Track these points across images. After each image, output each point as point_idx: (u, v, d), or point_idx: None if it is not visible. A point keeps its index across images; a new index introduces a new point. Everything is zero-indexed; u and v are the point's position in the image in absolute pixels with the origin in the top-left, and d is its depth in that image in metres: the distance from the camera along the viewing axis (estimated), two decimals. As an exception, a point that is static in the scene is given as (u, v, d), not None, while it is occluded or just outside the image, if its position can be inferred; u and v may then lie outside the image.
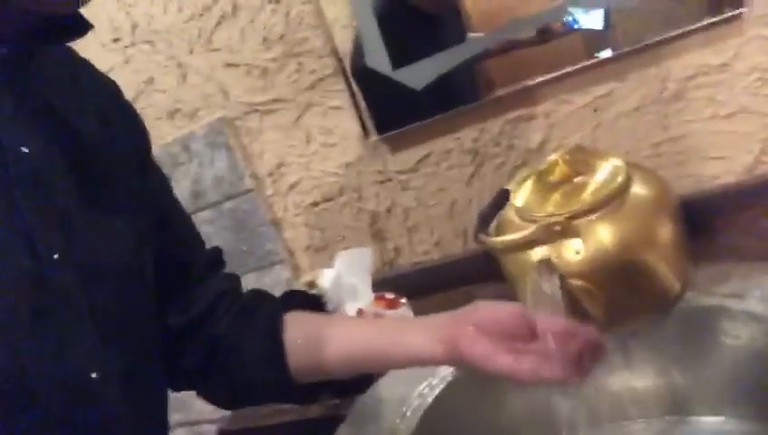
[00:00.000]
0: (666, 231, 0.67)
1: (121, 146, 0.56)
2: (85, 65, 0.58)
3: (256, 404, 0.70)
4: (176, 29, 1.03)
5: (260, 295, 0.65)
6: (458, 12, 0.91)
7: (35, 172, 0.45)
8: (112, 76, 1.16)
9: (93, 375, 0.45)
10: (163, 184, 0.64)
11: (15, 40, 0.46)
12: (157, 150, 1.07)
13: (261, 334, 0.60)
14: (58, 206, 0.46)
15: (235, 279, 0.67)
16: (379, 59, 0.91)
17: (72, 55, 0.57)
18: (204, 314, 0.61)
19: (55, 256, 0.44)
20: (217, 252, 0.67)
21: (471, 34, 0.91)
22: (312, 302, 0.66)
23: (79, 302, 0.46)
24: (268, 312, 0.62)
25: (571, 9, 0.84)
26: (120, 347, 0.48)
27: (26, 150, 0.45)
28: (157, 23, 1.04)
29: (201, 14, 1.01)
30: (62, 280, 0.45)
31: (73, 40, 0.51)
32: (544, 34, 0.86)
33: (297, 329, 0.60)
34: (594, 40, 0.87)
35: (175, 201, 0.65)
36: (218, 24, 1.00)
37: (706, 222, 0.78)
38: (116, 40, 1.08)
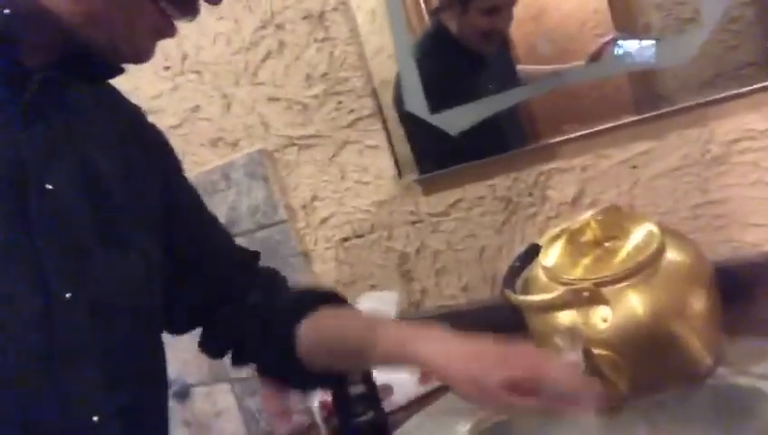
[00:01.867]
0: (699, 302, 0.65)
1: (141, 173, 0.57)
2: (107, 89, 0.59)
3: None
4: (223, 61, 1.07)
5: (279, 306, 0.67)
6: (507, 48, 0.91)
7: (56, 210, 0.46)
8: (161, 102, 1.21)
9: (94, 419, 0.46)
10: (196, 201, 0.67)
11: (49, 70, 0.47)
12: (198, 177, 1.11)
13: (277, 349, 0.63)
14: (74, 244, 0.47)
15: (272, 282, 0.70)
16: (417, 103, 0.92)
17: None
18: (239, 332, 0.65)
19: (68, 296, 0.45)
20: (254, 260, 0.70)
21: (520, 67, 0.91)
22: (327, 297, 0.68)
23: (87, 344, 0.46)
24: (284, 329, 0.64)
25: (621, 42, 0.82)
26: (123, 390, 0.49)
27: (50, 187, 0.46)
28: (205, 54, 1.08)
29: (248, 49, 1.04)
30: (73, 321, 0.45)
31: (109, 78, 0.53)
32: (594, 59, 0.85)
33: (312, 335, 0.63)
34: (640, 95, 0.86)
35: (210, 216, 0.68)
36: (264, 59, 1.04)
37: (744, 292, 0.75)
38: (166, 68, 1.12)
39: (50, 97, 0.48)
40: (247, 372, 1.23)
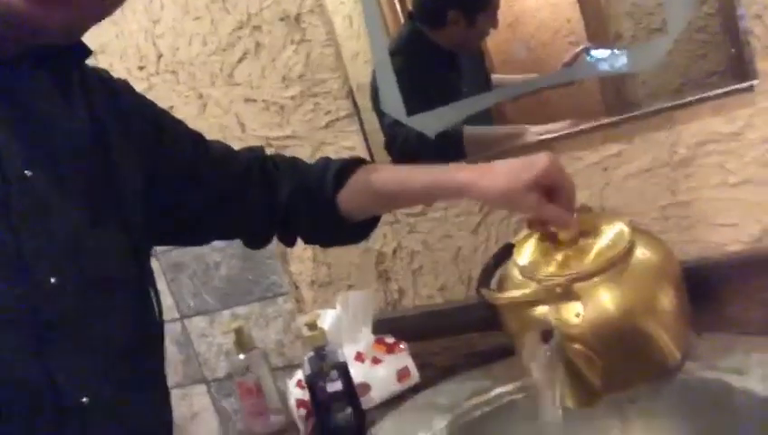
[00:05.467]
0: (668, 298, 0.67)
1: (119, 137, 0.57)
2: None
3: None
4: (198, 62, 1.06)
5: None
6: (482, 53, 0.93)
7: (37, 196, 0.46)
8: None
9: (84, 400, 0.46)
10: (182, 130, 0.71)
11: (15, 62, 0.47)
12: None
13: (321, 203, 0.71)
14: (58, 228, 0.47)
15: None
16: (394, 104, 0.93)
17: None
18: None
19: (53, 280, 0.45)
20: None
21: (495, 76, 0.92)
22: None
23: (77, 326, 0.47)
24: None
25: (593, 52, 0.85)
26: (115, 370, 0.50)
27: (29, 173, 0.46)
28: (181, 54, 1.07)
29: (224, 50, 1.04)
30: (60, 306, 0.46)
31: (75, 65, 0.53)
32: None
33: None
34: (610, 98, 0.88)
35: (193, 136, 0.71)
36: (241, 60, 1.03)
37: (711, 291, 0.78)
38: (141, 68, 1.11)
39: (21, 85, 0.47)
40: (222, 372, 1.22)
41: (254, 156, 0.73)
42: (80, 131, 0.53)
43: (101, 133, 0.55)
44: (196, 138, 0.71)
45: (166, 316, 1.23)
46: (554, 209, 0.63)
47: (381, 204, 0.74)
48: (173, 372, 1.30)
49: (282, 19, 0.98)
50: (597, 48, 0.84)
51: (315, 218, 0.72)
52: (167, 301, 1.24)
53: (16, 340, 0.43)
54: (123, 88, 0.63)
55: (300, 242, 1.09)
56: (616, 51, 0.83)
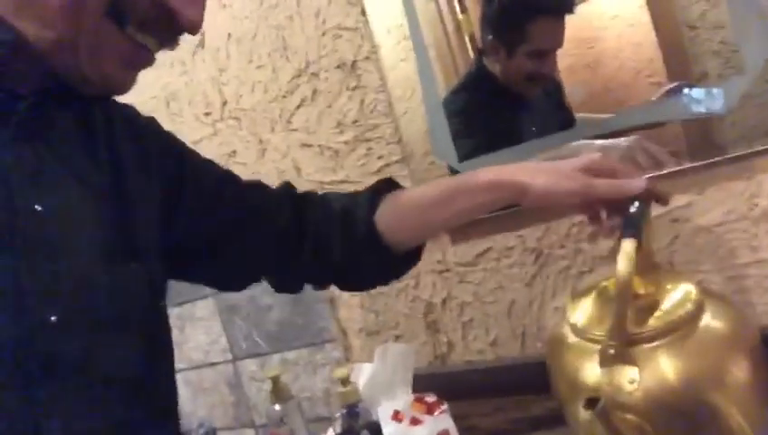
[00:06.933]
0: (741, 370, 0.59)
1: (139, 173, 0.56)
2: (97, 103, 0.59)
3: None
4: (260, 108, 1.10)
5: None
6: (561, 92, 0.88)
7: (44, 231, 0.45)
8: (201, 147, 1.24)
9: None
10: (204, 165, 0.68)
11: (40, 95, 0.47)
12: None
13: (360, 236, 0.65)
14: (65, 266, 0.46)
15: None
16: (445, 150, 0.91)
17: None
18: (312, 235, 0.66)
19: (53, 319, 0.44)
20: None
21: (579, 115, 0.88)
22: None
23: (79, 363, 0.45)
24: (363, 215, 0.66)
25: (686, 91, 0.78)
26: (117, 409, 0.48)
27: (39, 208, 0.45)
28: (244, 101, 1.11)
29: (284, 96, 1.06)
30: (59, 344, 0.44)
31: (92, 103, 0.53)
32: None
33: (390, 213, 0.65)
34: (696, 141, 0.81)
35: (221, 170, 0.69)
36: (299, 106, 1.05)
37: (799, 362, 0.68)
38: (207, 114, 1.16)
39: (38, 120, 0.48)
40: (269, 417, 1.20)
41: (285, 190, 0.70)
42: (98, 169, 0.53)
43: (120, 171, 0.55)
44: (223, 173, 0.69)
45: (219, 358, 1.26)
46: (606, 182, 0.58)
47: (432, 215, 0.64)
48: (223, 414, 1.30)
49: (338, 66, 1.00)
50: (689, 87, 0.78)
51: (351, 246, 0.65)
52: (221, 342, 1.25)
53: (3, 378, 0.42)
54: (149, 124, 0.63)
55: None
56: (707, 90, 0.76)
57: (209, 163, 0.68)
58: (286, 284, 0.71)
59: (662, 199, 0.62)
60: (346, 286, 0.73)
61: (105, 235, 0.50)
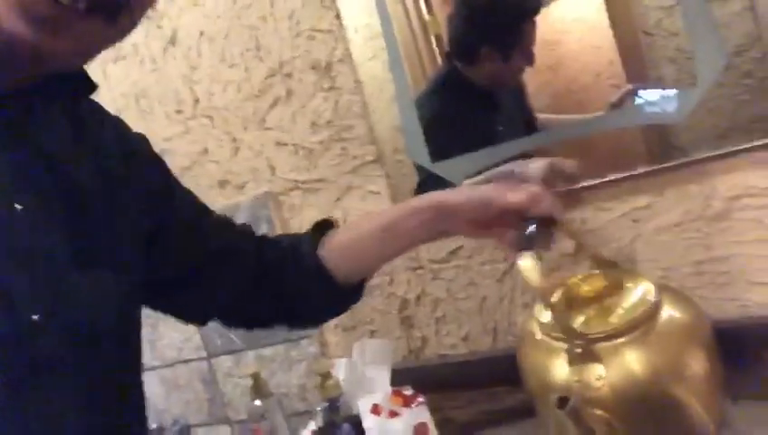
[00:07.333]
0: (698, 362, 0.63)
1: (124, 184, 0.56)
2: (89, 106, 0.58)
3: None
4: (233, 107, 1.10)
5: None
6: (523, 92, 0.91)
7: (24, 231, 0.45)
8: (172, 144, 1.23)
9: None
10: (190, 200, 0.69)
11: (17, 96, 0.46)
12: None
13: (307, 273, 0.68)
14: (45, 267, 0.46)
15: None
16: (418, 151, 0.93)
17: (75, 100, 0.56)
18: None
19: (35, 318, 0.44)
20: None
21: (541, 115, 0.91)
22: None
23: (59, 366, 0.45)
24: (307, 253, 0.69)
25: (641, 92, 0.82)
26: (95, 413, 0.48)
27: (19, 207, 0.45)
28: (216, 100, 1.11)
29: (257, 96, 1.07)
30: (42, 344, 0.44)
31: (80, 98, 0.53)
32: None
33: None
34: (654, 144, 0.85)
35: (199, 202, 0.70)
36: (272, 105, 1.06)
37: (750, 353, 0.73)
38: (179, 111, 1.15)
39: (22, 119, 0.47)
40: (245, 413, 1.22)
41: (247, 228, 0.73)
42: (81, 175, 0.52)
43: (107, 175, 0.55)
44: (201, 205, 0.70)
45: (193, 355, 1.26)
46: (500, 193, 0.61)
47: (367, 246, 0.68)
48: (198, 411, 1.31)
49: (313, 68, 1.01)
50: (644, 88, 0.82)
51: (300, 278, 0.68)
52: (194, 340, 1.25)
53: None
54: (139, 139, 0.64)
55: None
56: (665, 93, 0.80)
57: (190, 194, 0.69)
58: (239, 320, 0.73)
59: (555, 220, 0.62)
60: (296, 322, 0.75)
61: (79, 240, 0.49)
